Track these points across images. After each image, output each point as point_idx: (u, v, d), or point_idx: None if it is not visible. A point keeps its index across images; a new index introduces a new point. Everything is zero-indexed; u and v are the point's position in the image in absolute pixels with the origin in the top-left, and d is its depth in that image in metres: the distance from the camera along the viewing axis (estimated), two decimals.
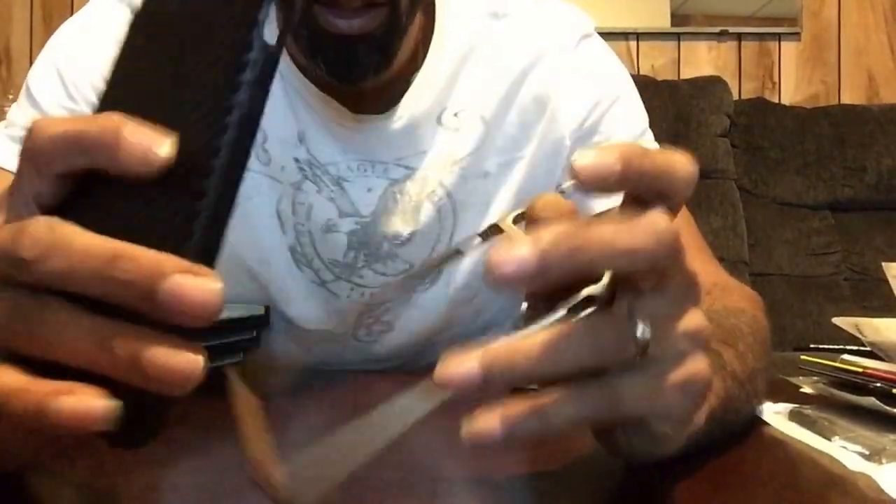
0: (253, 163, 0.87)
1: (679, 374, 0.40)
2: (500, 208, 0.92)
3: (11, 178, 0.89)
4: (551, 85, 0.92)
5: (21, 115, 0.88)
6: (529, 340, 0.37)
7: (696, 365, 0.41)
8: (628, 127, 0.94)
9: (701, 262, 0.85)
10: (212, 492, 0.46)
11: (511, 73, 0.91)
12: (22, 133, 0.86)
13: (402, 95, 0.88)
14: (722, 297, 0.76)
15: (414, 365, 0.98)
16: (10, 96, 0.85)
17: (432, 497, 0.45)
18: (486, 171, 0.91)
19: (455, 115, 0.90)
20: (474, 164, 0.90)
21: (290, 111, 0.87)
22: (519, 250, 0.35)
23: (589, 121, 0.92)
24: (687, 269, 0.40)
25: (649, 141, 0.96)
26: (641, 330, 0.37)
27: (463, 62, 0.90)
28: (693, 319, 0.41)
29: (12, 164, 0.85)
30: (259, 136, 0.87)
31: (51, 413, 0.33)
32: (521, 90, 0.91)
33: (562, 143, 0.92)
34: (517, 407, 0.37)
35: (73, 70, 0.86)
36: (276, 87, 0.87)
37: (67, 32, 0.90)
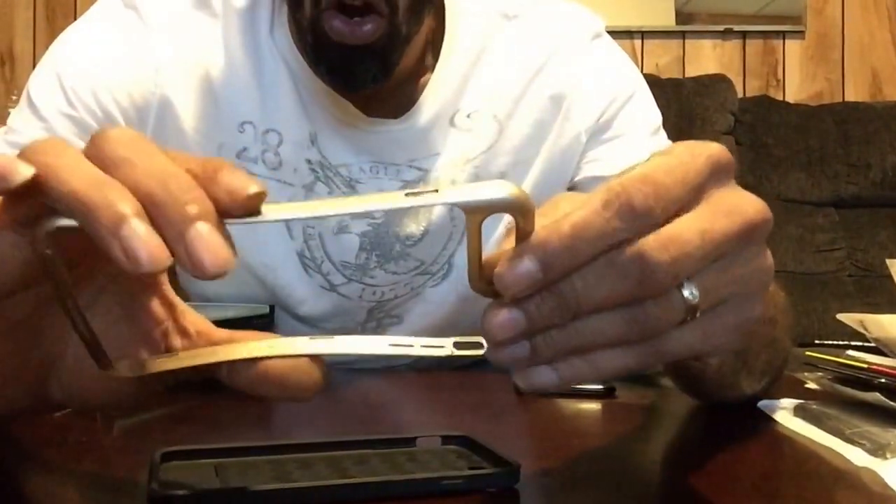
0: (259, 168, 0.87)
1: (732, 319, 0.38)
2: None
3: None
4: (566, 83, 0.92)
5: (21, 121, 0.87)
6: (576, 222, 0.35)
7: (752, 308, 0.39)
8: (643, 124, 0.95)
9: None
10: None
11: (524, 73, 0.92)
12: (22, 139, 0.86)
13: (414, 97, 0.88)
14: None
15: (420, 364, 0.98)
16: (14, 97, 0.84)
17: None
18: (501, 172, 0.91)
19: (468, 116, 0.90)
20: (488, 163, 0.90)
21: (302, 113, 0.87)
22: (522, 265, 0.34)
23: (604, 117, 0.93)
24: (741, 213, 0.37)
25: (663, 138, 0.97)
26: (689, 293, 0.36)
27: (475, 63, 0.90)
28: (755, 261, 0.38)
29: None
30: (273, 140, 0.88)
31: (124, 230, 0.31)
32: (534, 89, 0.92)
33: (577, 140, 0.93)
34: (571, 357, 0.37)
35: (73, 76, 0.86)
36: (289, 89, 0.87)
37: (69, 38, 0.89)
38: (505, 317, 0.36)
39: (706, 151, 0.37)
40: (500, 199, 0.34)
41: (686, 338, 0.37)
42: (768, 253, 0.40)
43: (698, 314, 0.36)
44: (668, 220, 0.35)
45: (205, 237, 0.31)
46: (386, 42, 0.78)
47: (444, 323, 0.95)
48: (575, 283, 0.35)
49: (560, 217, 0.35)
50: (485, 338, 0.37)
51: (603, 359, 0.37)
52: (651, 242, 0.34)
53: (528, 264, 0.34)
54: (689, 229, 0.35)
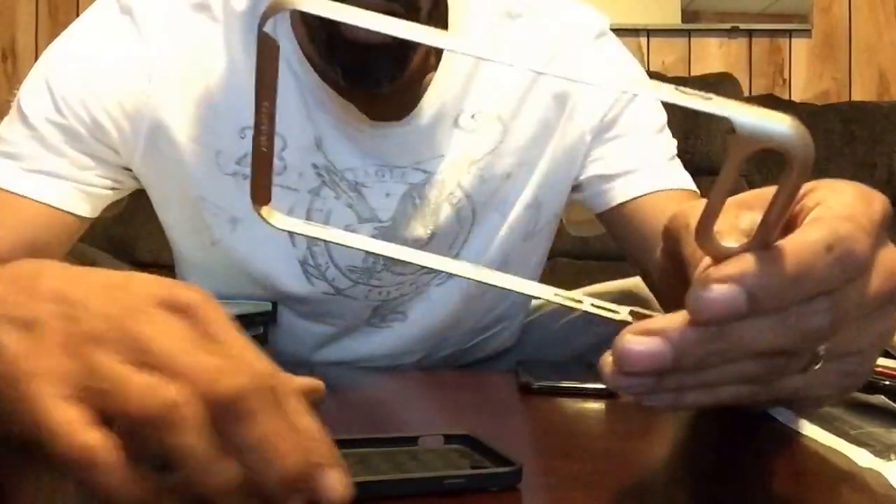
0: None
1: (845, 371, 0.38)
2: (520, 207, 0.92)
3: (4, 196, 0.87)
4: (570, 82, 0.92)
5: (11, 130, 0.86)
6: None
7: (866, 363, 0.38)
8: (647, 122, 0.95)
9: None
10: None
11: (528, 72, 0.91)
12: (13, 148, 0.85)
13: (417, 98, 0.87)
14: None
15: (428, 361, 0.98)
16: (16, 92, 0.84)
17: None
18: (507, 172, 0.91)
19: (472, 116, 0.89)
20: (493, 165, 0.90)
21: (307, 117, 0.86)
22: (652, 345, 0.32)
23: (609, 115, 0.92)
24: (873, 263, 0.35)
25: (667, 137, 0.96)
26: (822, 347, 0.35)
27: (478, 63, 0.90)
28: (886, 321, 0.37)
29: (4, 180, 0.84)
30: (278, 144, 0.88)
31: None
32: (539, 88, 0.91)
33: (581, 139, 0.92)
34: (687, 377, 0.35)
35: (62, 83, 0.85)
36: (293, 93, 0.86)
37: (62, 44, 0.88)
38: (649, 349, 0.32)
39: (879, 202, 0.36)
40: (784, 135, 0.30)
41: (797, 383, 0.37)
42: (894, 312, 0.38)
43: (819, 365, 0.36)
44: None
45: None
46: (403, 41, 0.77)
47: (448, 321, 0.95)
48: (745, 333, 0.32)
49: (775, 249, 0.32)
50: (616, 360, 0.33)
51: (723, 392, 0.36)
52: (834, 303, 0.33)
53: (734, 294, 0.31)
54: (856, 289, 0.34)
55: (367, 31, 0.75)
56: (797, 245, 0.32)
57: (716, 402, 0.36)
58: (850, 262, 0.32)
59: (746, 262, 0.32)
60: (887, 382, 0.60)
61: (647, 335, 0.32)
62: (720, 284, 0.31)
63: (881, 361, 0.65)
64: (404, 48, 0.78)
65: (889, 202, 0.37)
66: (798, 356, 0.35)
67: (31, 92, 0.86)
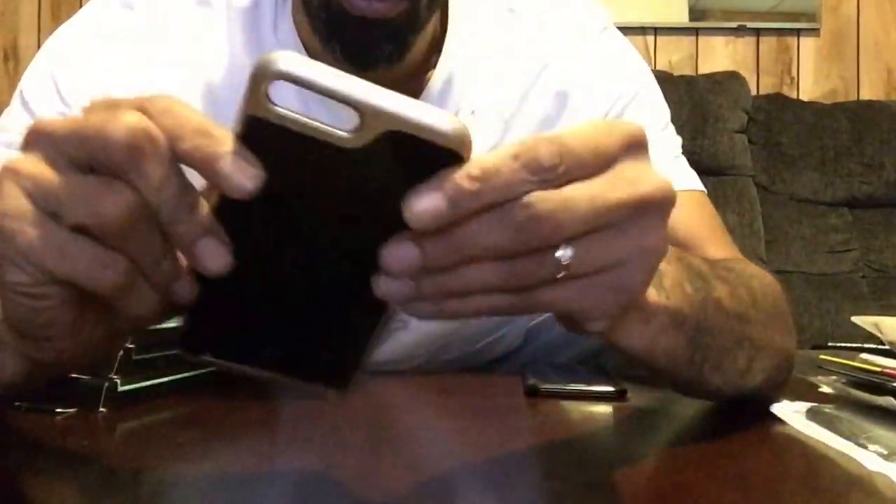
0: None
1: (609, 286, 0.41)
2: None
3: None
4: (572, 79, 0.91)
5: (14, 120, 0.86)
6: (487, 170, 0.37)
7: (633, 280, 0.41)
8: (650, 120, 0.94)
9: (720, 247, 0.85)
10: (218, 491, 0.46)
11: (530, 69, 0.90)
12: (15, 137, 0.85)
13: (416, 95, 0.87)
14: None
15: (431, 365, 0.97)
16: None
17: (445, 499, 0.44)
18: None
19: (472, 113, 0.89)
20: None
21: (307, 112, 0.86)
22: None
23: (611, 114, 0.92)
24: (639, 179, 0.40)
25: (671, 133, 0.96)
26: (561, 253, 0.38)
27: (479, 59, 0.89)
28: (645, 236, 0.40)
29: None
30: None
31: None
32: (540, 85, 0.90)
33: None
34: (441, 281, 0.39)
35: (67, 75, 0.84)
36: (293, 88, 0.86)
37: (64, 37, 0.88)
38: (405, 250, 0.38)
39: (623, 128, 0.40)
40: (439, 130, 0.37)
41: (558, 295, 0.40)
42: (663, 233, 0.42)
43: (572, 275, 0.39)
44: (571, 182, 0.38)
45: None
46: (404, 20, 0.77)
47: (449, 329, 0.95)
48: (469, 231, 0.37)
49: (470, 162, 0.37)
50: (383, 267, 0.38)
51: (478, 301, 0.40)
52: (538, 195, 0.37)
53: (437, 199, 0.37)
54: (579, 192, 0.38)
55: (370, 4, 0.74)
56: (487, 155, 0.38)
57: (476, 313, 0.40)
58: (536, 166, 0.37)
59: (443, 175, 0.37)
60: (895, 384, 0.60)
61: (400, 242, 0.38)
62: (422, 193, 0.37)
63: (890, 363, 0.64)
64: (405, 28, 0.77)
65: (643, 130, 0.41)
66: (537, 260, 0.38)
67: (35, 84, 0.86)
